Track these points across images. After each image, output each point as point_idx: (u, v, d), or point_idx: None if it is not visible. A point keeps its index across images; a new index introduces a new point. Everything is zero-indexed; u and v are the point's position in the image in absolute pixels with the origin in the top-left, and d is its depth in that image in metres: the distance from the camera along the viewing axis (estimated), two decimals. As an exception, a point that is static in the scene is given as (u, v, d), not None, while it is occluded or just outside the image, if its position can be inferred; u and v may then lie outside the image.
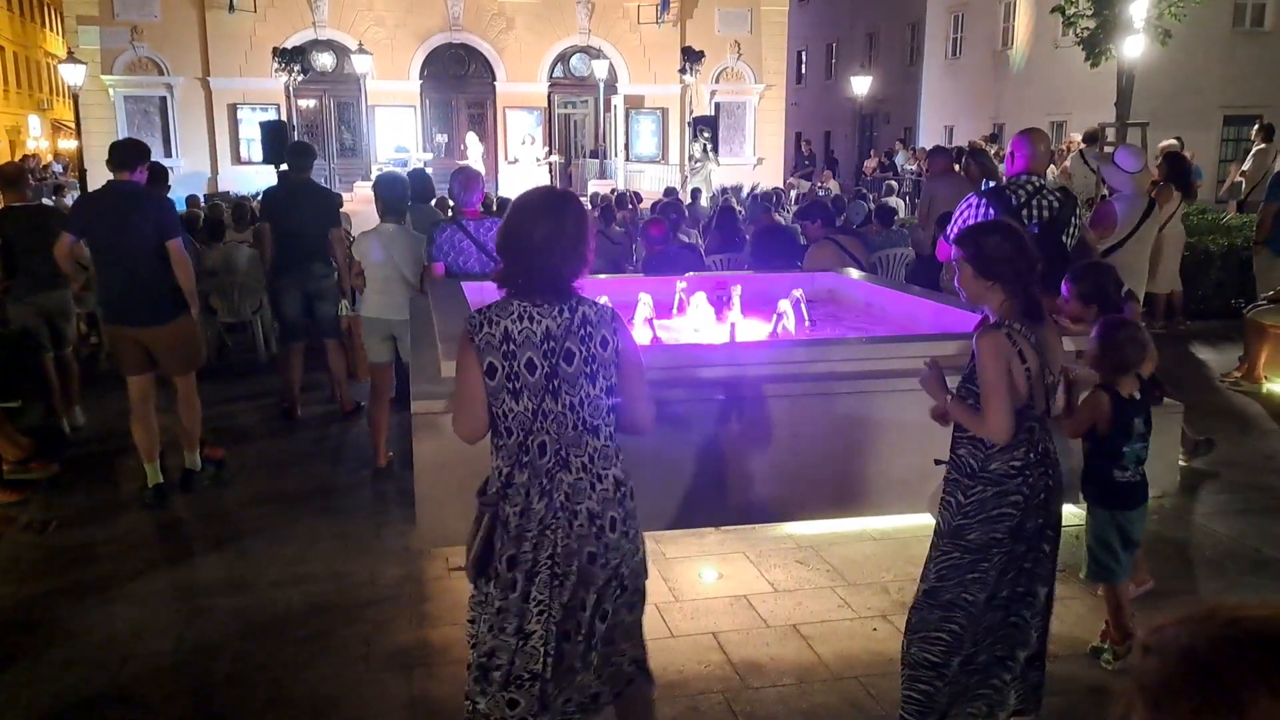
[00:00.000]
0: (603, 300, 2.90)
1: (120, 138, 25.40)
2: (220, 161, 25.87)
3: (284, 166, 16.74)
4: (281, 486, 5.94)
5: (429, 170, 11.00)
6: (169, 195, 7.41)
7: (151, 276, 5.47)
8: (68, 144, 40.18)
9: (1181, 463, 5.79)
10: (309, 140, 24.24)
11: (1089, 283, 4.27)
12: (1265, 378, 7.81)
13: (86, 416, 7.13)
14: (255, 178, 22.25)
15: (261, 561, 4.91)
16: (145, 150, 5.72)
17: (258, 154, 21.34)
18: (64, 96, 39.00)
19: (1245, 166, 13.16)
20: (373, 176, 22.83)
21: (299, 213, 7.10)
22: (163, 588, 4.67)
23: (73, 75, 22.35)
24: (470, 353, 2.69)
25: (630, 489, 2.81)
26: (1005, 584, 3.14)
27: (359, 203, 16.70)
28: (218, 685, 3.84)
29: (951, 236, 5.25)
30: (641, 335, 5.37)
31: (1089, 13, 18.32)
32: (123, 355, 5.63)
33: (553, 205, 2.76)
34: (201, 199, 16.94)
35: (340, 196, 8.24)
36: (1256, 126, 13.81)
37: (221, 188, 23.53)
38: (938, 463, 3.25)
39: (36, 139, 43.57)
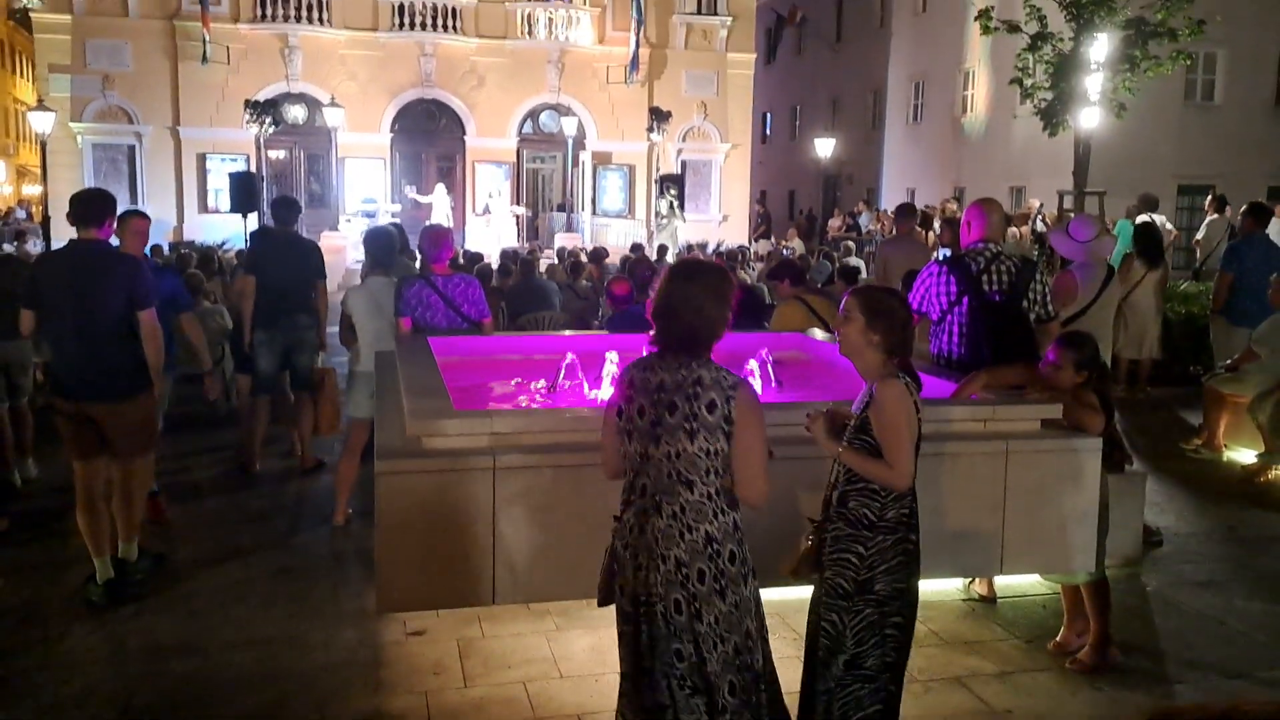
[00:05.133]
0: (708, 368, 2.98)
1: (85, 186, 25.25)
2: (187, 210, 25.70)
3: (249, 216, 16.70)
4: (237, 544, 5.82)
5: (397, 221, 10.99)
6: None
7: (117, 349, 5.01)
8: (32, 189, 39.77)
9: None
10: (276, 190, 24.21)
11: (1084, 352, 4.39)
12: (1225, 446, 7.88)
13: (39, 469, 6.97)
14: (222, 226, 22.09)
15: (214, 622, 4.78)
16: (111, 202, 5.22)
17: (225, 203, 21.22)
18: (31, 142, 38.66)
19: (1199, 236, 13.47)
20: (340, 227, 22.93)
21: (285, 265, 7.05)
22: (111, 649, 4.53)
23: (41, 123, 22.11)
24: (614, 396, 3.07)
25: (728, 551, 2.90)
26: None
27: (325, 253, 16.52)
28: (165, 754, 3.72)
29: (915, 304, 5.31)
30: (607, 392, 5.34)
31: (1046, 85, 18.73)
32: (73, 436, 5.08)
33: (687, 274, 3.04)
34: (166, 248, 16.77)
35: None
36: (1210, 197, 14.15)
37: (187, 236, 23.34)
38: (812, 521, 3.31)
39: (0, 184, 43.13)
